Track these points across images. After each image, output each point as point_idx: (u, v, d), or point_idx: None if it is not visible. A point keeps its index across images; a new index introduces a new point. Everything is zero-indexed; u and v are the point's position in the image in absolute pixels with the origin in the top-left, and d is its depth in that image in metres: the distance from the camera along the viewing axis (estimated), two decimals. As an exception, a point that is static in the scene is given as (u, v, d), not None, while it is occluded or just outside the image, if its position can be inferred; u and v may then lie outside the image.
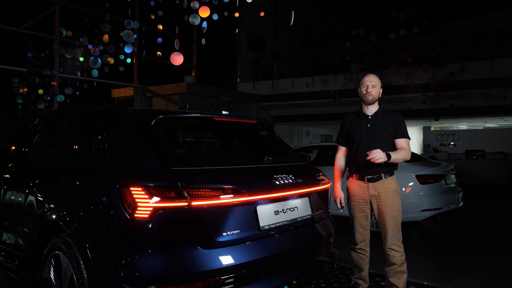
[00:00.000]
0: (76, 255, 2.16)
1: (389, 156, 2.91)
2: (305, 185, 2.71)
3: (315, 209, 2.75)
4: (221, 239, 2.12)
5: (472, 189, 11.15)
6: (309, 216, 2.68)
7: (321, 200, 2.85)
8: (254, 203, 2.31)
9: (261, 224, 2.31)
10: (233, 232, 2.17)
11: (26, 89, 9.38)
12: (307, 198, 2.70)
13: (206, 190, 2.11)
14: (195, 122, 2.88)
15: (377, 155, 2.84)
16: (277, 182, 2.48)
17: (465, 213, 7.40)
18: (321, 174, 3.02)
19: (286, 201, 2.52)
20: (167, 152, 2.31)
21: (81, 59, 8.95)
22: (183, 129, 2.77)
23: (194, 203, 2.04)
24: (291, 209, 2.55)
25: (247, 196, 2.26)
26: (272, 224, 2.38)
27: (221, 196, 2.14)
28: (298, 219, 2.59)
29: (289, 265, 2.52)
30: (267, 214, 2.37)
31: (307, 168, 3.01)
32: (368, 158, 2.87)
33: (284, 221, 2.47)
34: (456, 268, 4.32)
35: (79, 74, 10.76)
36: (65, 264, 2.26)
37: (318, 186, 2.85)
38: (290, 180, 2.57)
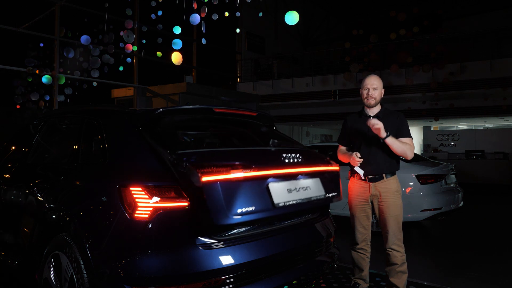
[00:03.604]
0: (76, 255, 2.16)
1: (388, 134, 2.91)
2: (314, 164, 2.66)
3: (328, 190, 2.69)
4: (236, 214, 2.06)
5: (472, 189, 11.15)
6: (323, 197, 2.63)
7: (332, 182, 2.78)
8: (265, 180, 2.27)
9: (275, 201, 2.27)
10: (248, 208, 2.12)
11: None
12: (318, 179, 2.65)
13: (215, 167, 2.06)
14: (195, 115, 2.83)
15: (377, 123, 2.86)
16: (286, 160, 2.45)
17: (465, 213, 7.40)
18: (328, 158, 2.98)
19: (297, 180, 2.47)
20: (168, 145, 2.29)
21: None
22: (183, 124, 2.73)
23: (204, 179, 1.99)
24: (304, 188, 2.50)
25: (257, 171, 2.22)
26: (286, 202, 2.33)
27: (231, 171, 2.09)
28: (312, 199, 2.54)
29: (289, 265, 2.52)
30: (280, 192, 2.32)
31: (313, 152, 3.00)
32: (368, 122, 2.90)
33: (298, 199, 2.43)
34: (456, 268, 4.31)
35: (79, 74, 10.76)
36: (65, 264, 2.26)
37: (328, 166, 2.79)
38: (298, 159, 2.52)
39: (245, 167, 2.17)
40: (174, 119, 2.64)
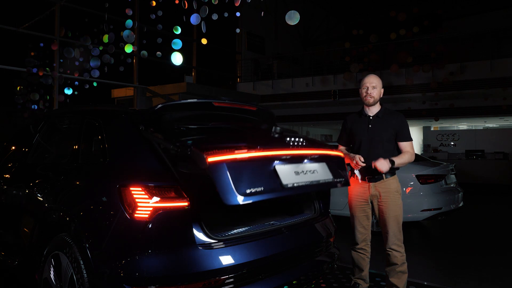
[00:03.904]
0: (76, 255, 2.16)
1: (392, 162, 2.96)
2: (319, 147, 2.63)
3: (336, 175, 2.65)
4: (246, 194, 2.02)
5: (472, 189, 11.15)
6: (331, 180, 2.58)
7: (339, 168, 2.73)
8: (272, 162, 2.23)
9: (284, 182, 2.22)
10: (257, 189, 2.08)
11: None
12: (324, 164, 2.60)
13: (220, 149, 2.04)
14: (194, 110, 2.81)
15: (382, 166, 2.92)
16: (291, 143, 2.42)
17: (465, 213, 7.40)
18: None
19: (304, 164, 2.43)
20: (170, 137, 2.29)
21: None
22: (183, 119, 2.71)
23: (210, 159, 1.96)
24: (311, 171, 2.46)
25: (262, 151, 2.19)
26: (295, 183, 2.29)
27: (236, 151, 2.06)
28: (321, 182, 2.50)
29: (289, 265, 2.52)
30: (288, 174, 2.29)
31: (317, 140, 2.99)
32: (373, 166, 2.94)
33: (307, 182, 2.39)
34: (456, 268, 4.31)
35: (79, 74, 10.76)
36: (65, 264, 2.26)
37: (333, 151, 2.76)
38: (303, 143, 2.49)
39: (250, 148, 2.14)
40: (174, 115, 2.62)
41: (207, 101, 2.71)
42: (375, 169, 3.05)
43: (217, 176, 1.98)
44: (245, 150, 2.10)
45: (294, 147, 2.41)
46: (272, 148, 2.28)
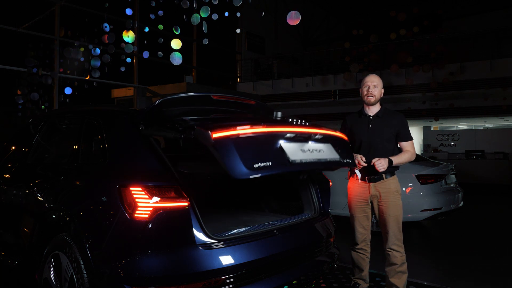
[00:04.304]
0: (76, 255, 2.16)
1: (390, 162, 2.97)
2: (322, 128, 2.59)
3: (342, 155, 2.62)
4: (253, 168, 2.00)
5: (472, 189, 11.15)
6: (338, 159, 2.56)
7: (345, 149, 2.70)
8: (277, 138, 2.21)
9: (290, 158, 2.20)
10: (264, 163, 2.06)
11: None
12: (330, 145, 2.58)
13: (224, 126, 2.03)
14: (193, 104, 2.80)
15: (380, 165, 2.91)
16: (294, 123, 2.41)
17: (465, 213, 7.40)
18: None
19: (309, 143, 2.41)
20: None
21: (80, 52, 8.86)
22: (182, 113, 2.71)
23: (215, 135, 1.96)
24: (318, 150, 2.44)
25: (266, 127, 2.18)
26: (302, 159, 2.27)
27: (240, 127, 2.05)
28: (328, 160, 2.47)
29: (289, 265, 2.52)
30: (294, 150, 2.26)
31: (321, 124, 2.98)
32: (372, 163, 2.93)
33: (314, 159, 2.36)
34: (456, 268, 4.31)
35: (79, 74, 10.76)
36: (65, 264, 2.26)
37: (337, 132, 2.73)
38: (306, 124, 2.48)
39: (254, 124, 2.14)
40: (173, 110, 2.61)
41: (206, 95, 2.71)
42: (375, 169, 3.05)
43: (224, 152, 1.96)
44: (249, 126, 2.10)
45: (298, 126, 2.38)
46: (277, 125, 2.27)
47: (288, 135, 2.25)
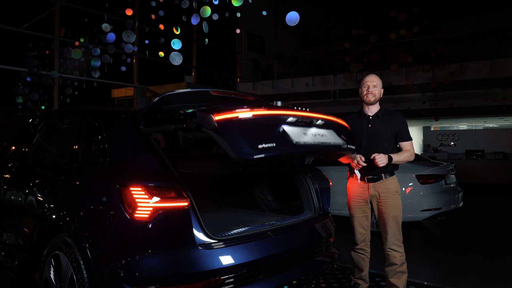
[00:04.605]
0: (76, 255, 2.16)
1: (390, 159, 2.96)
2: (324, 114, 2.56)
3: (345, 141, 2.61)
4: (257, 149, 1.98)
5: (472, 189, 11.15)
6: (341, 143, 2.55)
7: (348, 136, 2.69)
8: (279, 122, 2.19)
9: (294, 139, 2.18)
10: (269, 144, 2.03)
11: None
12: (332, 130, 2.56)
13: (226, 110, 2.02)
14: (192, 100, 2.79)
15: (380, 159, 2.90)
16: (295, 108, 2.39)
17: (465, 213, 7.39)
18: None
19: (311, 128, 2.38)
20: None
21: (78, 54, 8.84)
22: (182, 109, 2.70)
23: (217, 118, 1.95)
24: (320, 135, 2.43)
25: (267, 110, 2.17)
26: (306, 142, 2.25)
27: (237, 110, 2.04)
28: (332, 143, 2.47)
29: (289, 265, 2.52)
30: (297, 133, 2.24)
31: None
32: (372, 157, 2.92)
33: (317, 142, 2.35)
34: (456, 268, 4.31)
35: (79, 74, 10.76)
36: (65, 264, 2.26)
37: (339, 119, 2.72)
38: (307, 109, 2.46)
39: (256, 107, 2.14)
40: (173, 107, 2.60)
41: (205, 90, 2.71)
42: (375, 169, 3.05)
43: (227, 133, 1.95)
44: (250, 109, 2.09)
45: (299, 110, 2.37)
46: (278, 109, 2.26)
47: (290, 119, 2.23)
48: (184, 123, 2.10)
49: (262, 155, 1.97)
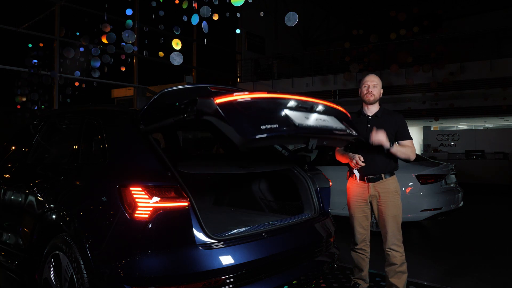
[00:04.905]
0: (76, 255, 2.16)
1: (391, 145, 2.92)
2: (325, 100, 2.54)
3: (347, 127, 2.58)
4: (260, 130, 1.96)
5: (472, 189, 11.15)
6: (344, 129, 2.53)
7: (349, 124, 2.67)
8: (280, 106, 2.18)
9: (296, 122, 2.16)
10: (271, 125, 2.02)
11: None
12: (333, 117, 2.54)
13: (227, 93, 2.02)
14: (191, 96, 2.80)
15: (380, 137, 2.86)
16: (294, 93, 2.38)
17: (465, 213, 7.40)
18: None
19: (313, 113, 2.37)
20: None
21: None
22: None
23: (218, 101, 1.94)
24: (322, 120, 2.41)
25: (266, 94, 2.16)
26: (308, 125, 2.24)
27: (237, 94, 2.03)
28: (334, 128, 2.44)
29: (289, 265, 2.52)
30: (299, 117, 2.23)
31: None
32: (371, 138, 2.89)
33: (319, 125, 2.33)
34: (456, 268, 4.31)
35: (79, 74, 10.76)
36: (65, 264, 2.26)
37: (339, 106, 2.68)
38: (307, 95, 2.45)
39: (256, 92, 2.14)
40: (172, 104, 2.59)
41: (204, 86, 2.70)
42: (375, 169, 3.05)
43: (228, 116, 1.93)
44: (249, 93, 2.09)
45: (300, 95, 2.36)
46: (275, 92, 2.25)
47: (292, 103, 2.22)
48: (185, 113, 2.07)
49: (265, 135, 1.95)
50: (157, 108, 2.36)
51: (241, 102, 2.02)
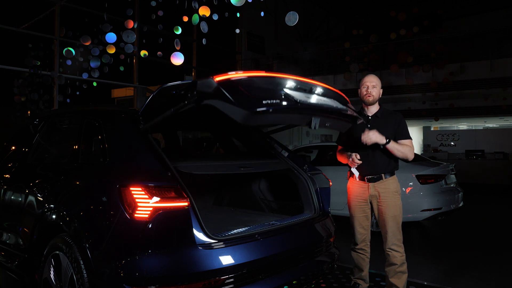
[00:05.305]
0: (76, 255, 2.16)
1: (388, 141, 2.91)
2: (321, 82, 2.56)
3: (347, 107, 2.59)
4: (262, 104, 1.97)
5: (472, 189, 11.15)
6: (344, 108, 2.54)
7: (347, 105, 2.66)
8: (280, 85, 2.18)
9: (297, 98, 2.17)
10: (273, 100, 2.03)
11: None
12: (333, 99, 2.54)
13: (226, 73, 2.02)
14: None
15: (371, 136, 2.87)
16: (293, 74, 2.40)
17: (465, 213, 7.40)
18: None
19: (313, 93, 2.37)
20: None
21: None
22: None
23: (217, 79, 1.95)
24: (323, 100, 2.42)
25: (265, 73, 2.17)
26: (309, 102, 2.26)
27: (237, 72, 2.04)
28: (334, 107, 2.45)
29: (289, 265, 2.52)
30: (299, 95, 2.23)
31: None
32: (363, 138, 2.90)
33: (320, 103, 2.35)
34: (456, 268, 4.31)
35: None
36: (65, 264, 2.26)
37: (338, 90, 2.69)
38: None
39: (256, 72, 2.14)
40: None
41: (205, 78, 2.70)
42: (374, 169, 3.05)
43: (229, 92, 1.93)
44: (249, 71, 2.09)
45: (298, 76, 2.36)
46: (277, 73, 2.26)
47: (290, 82, 2.23)
48: (185, 99, 2.04)
49: (267, 109, 1.96)
50: (157, 105, 2.35)
51: (240, 79, 2.03)
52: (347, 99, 2.75)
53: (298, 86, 2.26)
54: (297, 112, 2.24)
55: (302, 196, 3.08)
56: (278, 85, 2.18)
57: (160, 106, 2.27)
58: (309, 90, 2.34)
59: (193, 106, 2.03)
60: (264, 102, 1.97)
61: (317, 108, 2.31)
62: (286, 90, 2.18)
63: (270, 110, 1.99)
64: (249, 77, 2.07)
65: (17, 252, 2.90)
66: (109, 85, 13.25)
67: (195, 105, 2.02)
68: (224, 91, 1.91)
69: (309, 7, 20.02)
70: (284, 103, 2.09)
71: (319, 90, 2.41)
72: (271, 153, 3.34)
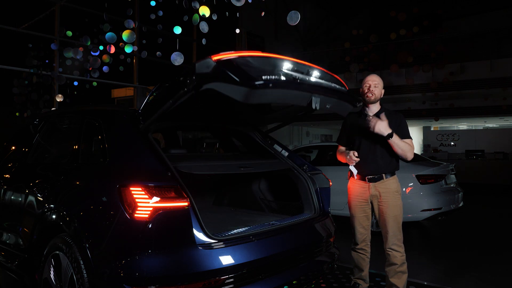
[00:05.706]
0: (76, 255, 2.16)
1: (391, 133, 2.89)
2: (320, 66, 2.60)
3: (343, 88, 2.65)
4: (262, 79, 2.04)
5: (472, 189, 11.15)
6: (343, 90, 2.59)
7: (343, 87, 2.70)
8: (277, 66, 2.22)
9: (295, 76, 2.25)
10: (272, 77, 2.11)
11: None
12: (331, 82, 2.59)
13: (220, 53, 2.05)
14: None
15: (377, 123, 2.85)
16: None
17: (465, 213, 7.40)
18: None
19: (310, 73, 2.41)
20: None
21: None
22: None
23: (215, 58, 1.98)
24: (320, 81, 2.46)
25: (264, 53, 2.21)
26: (307, 79, 2.31)
27: (235, 51, 2.07)
28: (332, 86, 2.50)
29: (289, 265, 2.52)
30: (297, 74, 2.30)
31: None
32: (369, 123, 2.88)
33: (318, 82, 2.40)
34: (456, 268, 4.31)
35: (79, 74, 10.76)
36: (65, 264, 2.26)
37: (334, 74, 2.72)
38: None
39: (254, 51, 2.17)
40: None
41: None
42: (375, 169, 3.05)
43: (228, 68, 1.95)
44: (247, 51, 2.12)
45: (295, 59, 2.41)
46: (274, 54, 2.29)
47: (288, 64, 2.26)
48: (185, 86, 2.03)
49: (262, 82, 2.02)
50: (156, 100, 2.35)
51: (238, 57, 2.05)
52: (345, 84, 2.78)
53: (296, 68, 2.31)
54: (297, 88, 2.28)
55: (302, 196, 3.08)
56: (276, 65, 2.22)
57: (160, 100, 2.27)
58: (307, 71, 2.39)
59: (192, 94, 2.04)
60: (264, 77, 2.02)
61: (316, 86, 2.35)
62: (285, 70, 2.23)
63: (270, 85, 2.03)
64: (247, 56, 2.10)
65: (17, 252, 2.90)
66: (109, 85, 13.24)
67: (194, 91, 2.01)
68: (222, 69, 1.94)
69: (309, 7, 20.02)
70: (283, 78, 2.15)
71: (317, 71, 2.46)
72: (271, 153, 3.34)
